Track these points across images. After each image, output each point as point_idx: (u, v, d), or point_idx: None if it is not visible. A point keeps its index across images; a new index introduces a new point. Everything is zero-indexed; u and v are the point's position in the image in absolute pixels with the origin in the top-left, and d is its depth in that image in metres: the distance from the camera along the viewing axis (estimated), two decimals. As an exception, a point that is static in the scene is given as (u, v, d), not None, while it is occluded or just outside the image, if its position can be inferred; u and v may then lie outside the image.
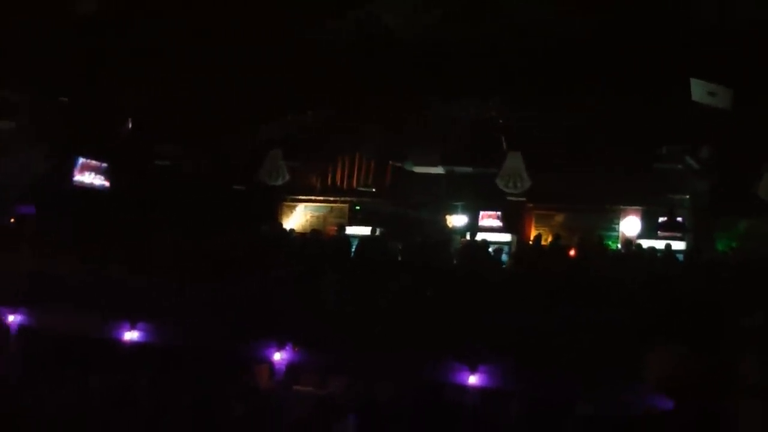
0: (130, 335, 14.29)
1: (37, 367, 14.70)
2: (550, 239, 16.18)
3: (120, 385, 13.53)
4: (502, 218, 19.09)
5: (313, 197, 19.77)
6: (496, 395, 11.34)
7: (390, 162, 19.33)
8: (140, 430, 10.22)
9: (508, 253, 15.65)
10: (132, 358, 14.18)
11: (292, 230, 17.71)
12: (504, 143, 17.03)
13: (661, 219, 18.56)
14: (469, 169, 19.16)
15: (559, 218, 19.25)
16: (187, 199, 18.25)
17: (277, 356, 13.01)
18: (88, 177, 19.84)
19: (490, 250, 14.51)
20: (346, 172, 19.57)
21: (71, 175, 19.49)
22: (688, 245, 17.51)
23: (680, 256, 15.39)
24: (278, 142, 18.43)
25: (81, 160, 19.62)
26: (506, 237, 17.67)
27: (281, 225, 18.55)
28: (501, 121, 17.24)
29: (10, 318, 15.75)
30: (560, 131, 17.03)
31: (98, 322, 14.62)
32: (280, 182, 18.41)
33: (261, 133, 18.60)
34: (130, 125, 18.41)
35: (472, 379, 11.26)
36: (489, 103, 16.98)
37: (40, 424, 10.48)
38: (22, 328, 15.79)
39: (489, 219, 19.20)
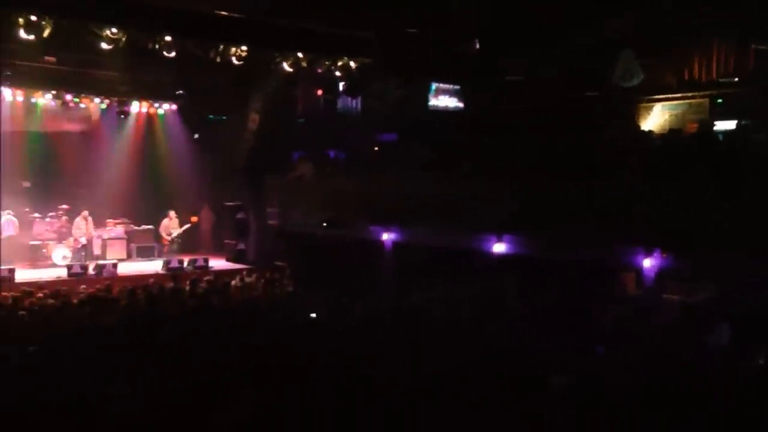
0: (498, 247, 15.62)
1: (410, 277, 16.49)
2: None
3: (489, 293, 14.66)
4: None
5: (669, 95, 19.17)
6: None
7: (752, 45, 18.17)
8: (508, 337, 11.09)
9: None
10: (500, 269, 15.42)
11: (650, 132, 17.73)
12: None
13: None
14: None
15: None
16: (542, 110, 18.83)
17: (646, 263, 13.53)
18: (443, 100, 21.26)
19: None
20: (703, 64, 18.72)
21: (426, 101, 20.94)
22: None
23: None
24: (628, 40, 18.20)
25: (435, 85, 21.01)
26: None
27: (639, 127, 18.60)
28: None
29: (384, 236, 17.94)
30: None
31: (465, 235, 16.10)
32: (634, 83, 18.22)
33: (608, 32, 18.45)
34: (477, 45, 19.25)
35: None
36: None
37: (418, 326, 11.76)
38: (395, 244, 17.87)
39: None
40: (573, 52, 18.99)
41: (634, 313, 13.30)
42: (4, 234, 20.48)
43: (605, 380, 8.57)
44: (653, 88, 19.08)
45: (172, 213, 22.59)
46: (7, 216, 20.72)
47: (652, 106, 19.23)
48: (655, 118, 19.09)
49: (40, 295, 14.19)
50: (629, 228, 13.61)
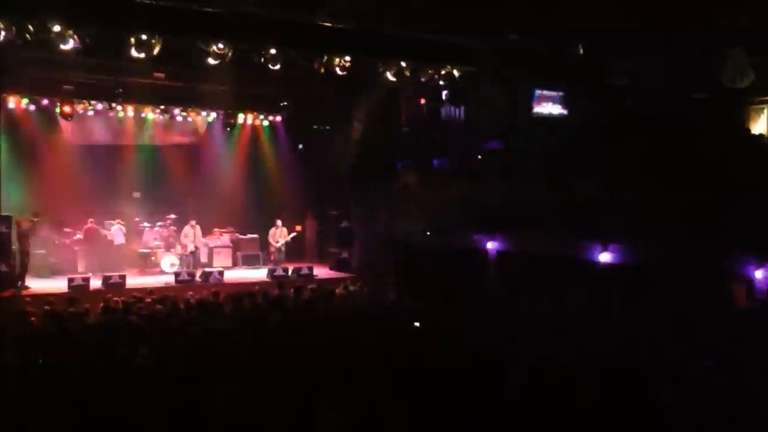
0: (603, 256, 15.55)
1: (514, 285, 16.52)
2: None
3: (594, 302, 14.51)
4: None
5: (783, 95, 18.65)
6: None
7: None
8: (613, 349, 11.00)
9: None
10: (605, 278, 15.31)
11: (761, 135, 17.35)
12: None
13: None
14: None
15: None
16: (648, 115, 18.58)
17: (758, 274, 13.25)
18: (546, 107, 21.15)
19: None
20: (819, 62, 18.05)
21: (530, 108, 20.88)
22: None
23: None
24: (738, 39, 17.69)
25: (538, 91, 20.94)
26: None
27: (749, 131, 18.19)
28: None
29: (489, 245, 18.06)
30: None
31: (570, 243, 16.06)
32: (745, 84, 17.76)
33: (717, 30, 17.96)
34: (581, 49, 19.10)
35: None
36: None
37: (513, 334, 11.79)
38: (499, 252, 17.94)
39: None
40: (680, 52, 18.63)
41: (745, 325, 13.04)
42: (115, 242, 21.52)
43: (715, 393, 8.51)
44: (765, 89, 18.59)
45: (279, 222, 23.24)
46: (117, 225, 21.76)
47: (764, 108, 18.76)
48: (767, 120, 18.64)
49: (149, 300, 14.85)
50: (740, 237, 13.36)
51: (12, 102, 20.63)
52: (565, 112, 21.38)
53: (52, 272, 20.49)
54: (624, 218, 15.39)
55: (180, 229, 22.40)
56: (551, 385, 8.70)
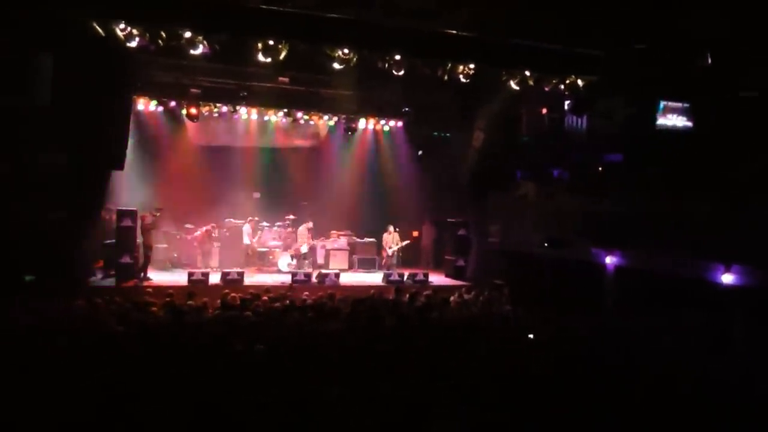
0: (726, 278, 15.13)
1: (631, 302, 16.26)
2: None
3: (714, 326, 14.14)
4: None
5: None
6: None
7: None
8: (734, 373, 10.70)
9: None
10: (727, 300, 14.87)
11: None
12: None
13: None
14: None
15: None
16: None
17: None
18: (671, 119, 20.64)
19: None
20: None
21: (654, 120, 20.45)
22: None
23: None
24: None
25: (663, 103, 20.46)
26: None
27: None
28: None
29: (607, 259, 17.86)
30: None
31: (691, 262, 15.70)
32: None
33: None
34: (709, 59, 18.55)
35: None
36: None
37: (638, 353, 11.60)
38: (617, 267, 17.71)
39: None
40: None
41: None
42: (245, 242, 22.20)
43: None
44: None
45: (390, 227, 23.48)
46: (248, 225, 22.40)
47: None
48: None
49: (265, 298, 15.16)
50: None
51: (141, 104, 21.55)
52: (690, 124, 20.82)
53: (173, 266, 21.35)
54: (749, 238, 14.94)
55: (297, 229, 22.92)
56: (663, 405, 8.60)
